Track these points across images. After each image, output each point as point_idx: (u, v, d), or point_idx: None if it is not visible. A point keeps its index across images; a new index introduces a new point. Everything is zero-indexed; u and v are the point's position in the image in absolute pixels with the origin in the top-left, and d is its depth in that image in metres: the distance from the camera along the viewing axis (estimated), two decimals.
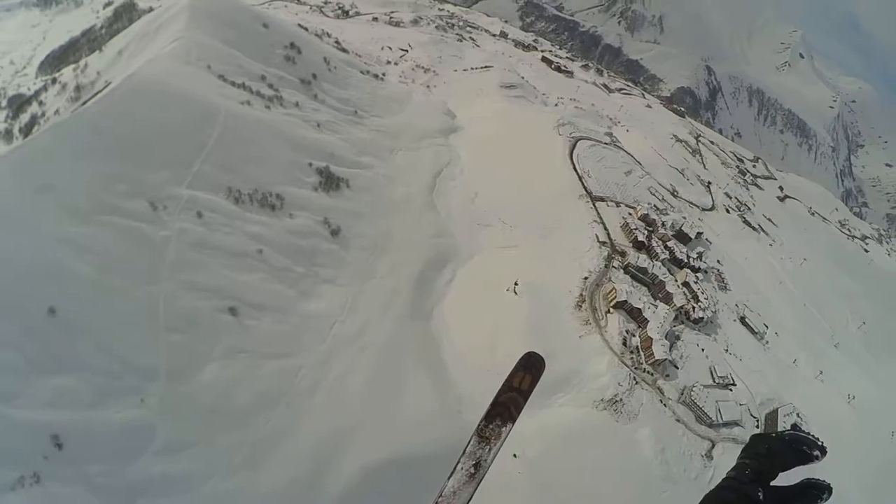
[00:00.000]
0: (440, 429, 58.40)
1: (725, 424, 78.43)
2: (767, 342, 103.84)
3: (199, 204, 66.28)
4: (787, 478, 4.59)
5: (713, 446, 75.27)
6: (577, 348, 76.36)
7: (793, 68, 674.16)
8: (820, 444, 4.54)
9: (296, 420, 55.89)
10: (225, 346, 56.56)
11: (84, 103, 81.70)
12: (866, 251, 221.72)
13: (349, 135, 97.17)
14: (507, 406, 6.81)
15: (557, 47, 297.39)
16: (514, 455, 59.14)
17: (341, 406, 58.54)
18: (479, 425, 6.74)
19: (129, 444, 47.01)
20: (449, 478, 6.20)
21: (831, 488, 4.44)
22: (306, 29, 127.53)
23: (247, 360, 56.84)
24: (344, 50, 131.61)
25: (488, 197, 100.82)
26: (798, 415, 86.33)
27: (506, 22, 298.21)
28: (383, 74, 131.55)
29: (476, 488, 6.12)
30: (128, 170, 63.74)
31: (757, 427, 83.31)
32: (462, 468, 6.31)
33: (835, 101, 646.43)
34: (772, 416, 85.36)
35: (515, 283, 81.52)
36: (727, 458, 74.32)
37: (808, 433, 4.66)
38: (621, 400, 71.96)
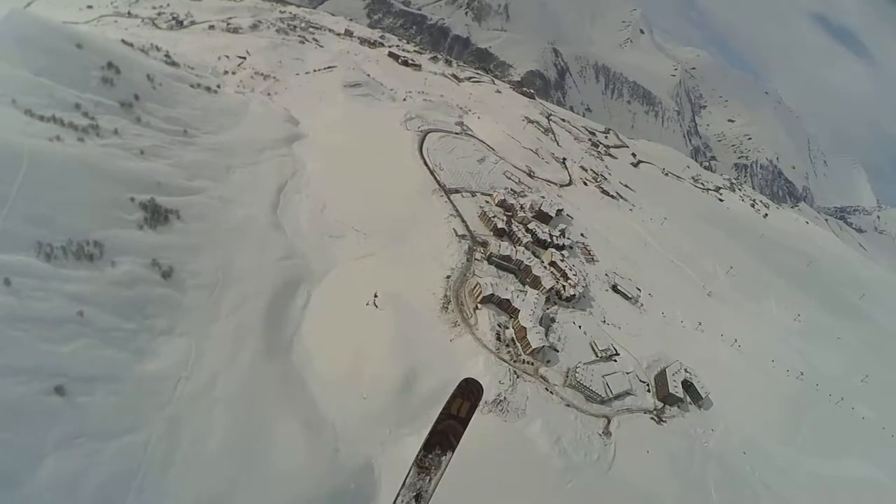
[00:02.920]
0: (318, 472, 56.52)
1: (617, 397, 79.72)
2: (642, 305, 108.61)
3: (6, 268, 57.55)
4: None
5: (609, 422, 75.83)
6: (449, 353, 73.72)
7: (634, 44, 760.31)
8: None
9: (153, 502, 50.27)
10: (58, 434, 49.71)
11: None
12: (721, 200, 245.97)
13: (178, 158, 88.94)
14: (445, 434, 8.12)
15: (405, 42, 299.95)
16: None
17: (203, 474, 53.25)
18: (417, 455, 7.84)
19: None
20: None
21: None
22: (131, 45, 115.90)
23: (86, 446, 50.23)
24: (174, 63, 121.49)
25: (338, 206, 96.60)
26: (686, 370, 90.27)
27: (351, 20, 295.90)
28: (218, 86, 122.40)
29: None
30: None
31: (648, 391, 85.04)
32: (402, 501, 7.04)
33: (676, 69, 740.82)
34: (661, 377, 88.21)
35: (375, 296, 77.38)
36: (625, 432, 75.36)
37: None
38: (505, 398, 70.14)
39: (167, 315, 66.11)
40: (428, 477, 7.33)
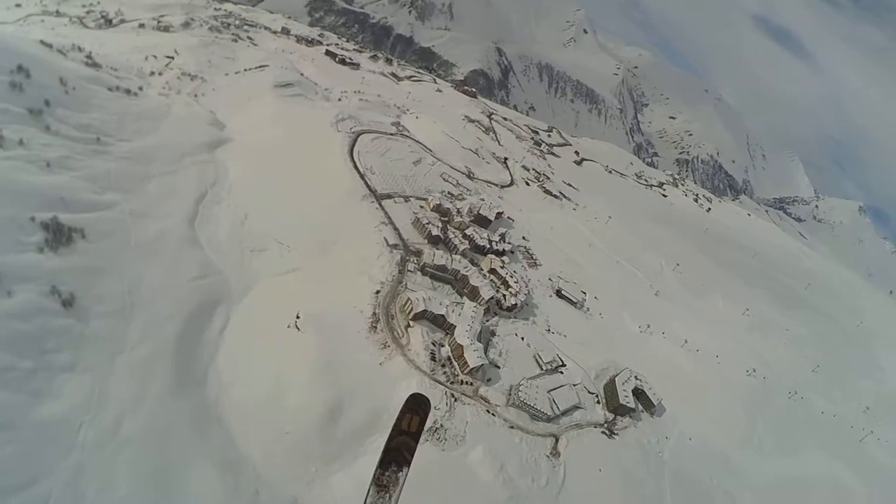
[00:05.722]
0: None
1: (565, 413, 75.11)
2: (588, 309, 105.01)
3: None
4: None
5: (557, 441, 71.14)
6: (379, 378, 67.54)
7: (578, 43, 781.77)
8: None
9: None
10: None
11: None
12: (665, 196, 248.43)
13: (88, 169, 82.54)
14: (399, 451, 7.83)
15: (345, 40, 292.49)
16: None
17: None
18: (374, 474, 7.61)
19: None
20: None
21: None
22: (50, 45, 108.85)
23: None
24: (96, 65, 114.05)
25: (261, 216, 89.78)
26: (636, 377, 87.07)
27: (289, 18, 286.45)
28: (140, 88, 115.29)
29: None
30: None
31: (598, 403, 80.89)
32: None
33: (618, 68, 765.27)
34: (610, 387, 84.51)
35: (297, 317, 70.63)
36: (575, 450, 70.91)
37: None
38: (442, 425, 64.24)
39: (68, 349, 60.41)
40: (388, 494, 7.16)
